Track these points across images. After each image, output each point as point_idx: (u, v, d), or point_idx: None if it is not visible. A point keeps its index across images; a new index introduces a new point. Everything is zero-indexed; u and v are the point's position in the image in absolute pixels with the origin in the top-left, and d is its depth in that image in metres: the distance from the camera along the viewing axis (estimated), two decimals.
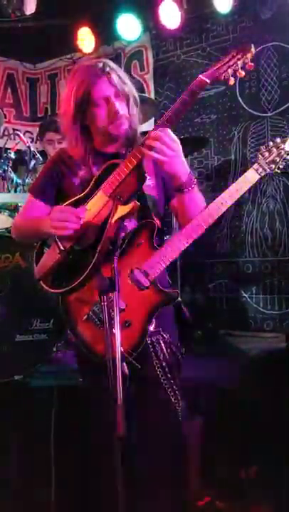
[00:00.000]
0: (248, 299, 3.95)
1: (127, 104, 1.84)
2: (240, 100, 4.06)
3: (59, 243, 1.78)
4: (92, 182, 1.82)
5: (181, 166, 1.75)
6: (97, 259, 1.74)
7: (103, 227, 1.74)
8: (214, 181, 4.17)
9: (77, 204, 1.81)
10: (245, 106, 4.04)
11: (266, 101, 3.93)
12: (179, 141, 1.71)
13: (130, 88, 1.87)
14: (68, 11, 4.40)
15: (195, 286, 4.07)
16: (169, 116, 1.68)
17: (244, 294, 3.97)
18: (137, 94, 1.90)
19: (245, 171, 1.90)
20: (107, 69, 1.81)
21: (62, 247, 1.77)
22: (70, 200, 1.83)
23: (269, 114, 3.90)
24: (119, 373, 1.50)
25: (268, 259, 3.88)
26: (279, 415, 2.48)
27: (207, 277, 4.11)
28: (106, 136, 1.85)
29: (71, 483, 2.23)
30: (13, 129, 4.87)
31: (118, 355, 1.52)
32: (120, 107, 1.82)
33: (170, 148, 1.67)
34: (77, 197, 1.83)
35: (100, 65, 1.82)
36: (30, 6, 4.10)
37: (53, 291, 1.84)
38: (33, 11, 4.12)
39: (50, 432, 2.20)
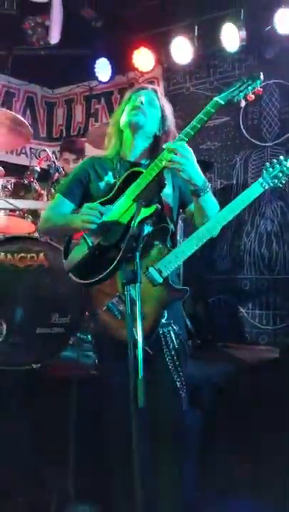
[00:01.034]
0: (245, 314, 4.13)
1: (160, 121, 2.10)
2: (243, 130, 4.34)
3: (88, 239, 1.96)
4: (117, 187, 2.01)
5: (196, 173, 1.94)
6: (121, 255, 1.88)
7: (127, 226, 1.90)
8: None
9: (103, 205, 1.98)
10: (247, 136, 4.32)
11: (267, 132, 4.21)
12: (192, 152, 1.92)
13: (169, 115, 2.15)
14: (87, 43, 4.74)
15: (196, 300, 4.23)
16: (187, 132, 1.91)
17: (241, 309, 4.15)
18: (174, 127, 2.15)
19: None
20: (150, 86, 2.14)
21: (90, 244, 1.95)
22: (98, 201, 2.00)
23: (269, 144, 4.18)
24: (140, 351, 1.62)
25: (265, 277, 4.09)
26: (270, 413, 2.67)
27: (207, 292, 4.29)
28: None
29: (88, 465, 2.36)
30: (30, 148, 5.16)
31: (140, 334, 1.65)
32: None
33: (185, 158, 1.89)
34: (104, 199, 2.01)
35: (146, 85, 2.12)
36: (55, 38, 4.35)
37: (82, 282, 2.00)
38: (57, 41, 4.37)
39: (66, 415, 2.38)
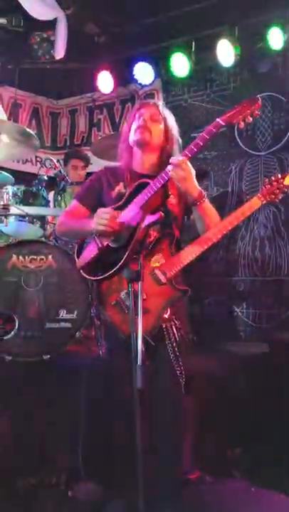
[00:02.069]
0: (239, 313, 4.31)
1: (164, 133, 2.29)
2: (238, 140, 4.50)
3: (98, 241, 2.15)
4: (127, 195, 2.20)
5: (192, 186, 2.11)
6: (127, 256, 2.07)
7: (134, 231, 2.07)
8: None
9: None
10: (242, 145, 4.47)
11: (260, 142, 4.37)
12: (192, 168, 2.11)
13: (172, 126, 2.33)
14: (90, 57, 4.93)
15: (193, 300, 4.43)
16: (190, 149, 2.08)
17: (236, 309, 4.32)
18: (178, 137, 2.34)
19: (240, 201, 2.29)
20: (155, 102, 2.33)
21: (100, 245, 2.14)
22: (110, 207, 2.19)
23: (262, 153, 4.33)
24: (140, 343, 1.78)
25: (258, 278, 4.25)
26: (260, 401, 2.85)
27: (204, 293, 4.45)
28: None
29: (96, 445, 2.54)
30: (35, 156, 5.35)
31: (140, 327, 1.82)
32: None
33: (185, 173, 2.08)
34: (115, 205, 2.20)
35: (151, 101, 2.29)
36: (60, 52, 4.52)
37: (91, 278, 2.21)
38: (61, 57, 4.54)
39: (74, 401, 2.58)
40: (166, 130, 2.34)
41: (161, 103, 2.44)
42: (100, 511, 2.31)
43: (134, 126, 2.33)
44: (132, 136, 2.32)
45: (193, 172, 2.13)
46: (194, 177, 2.14)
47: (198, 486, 2.69)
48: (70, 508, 2.42)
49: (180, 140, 2.37)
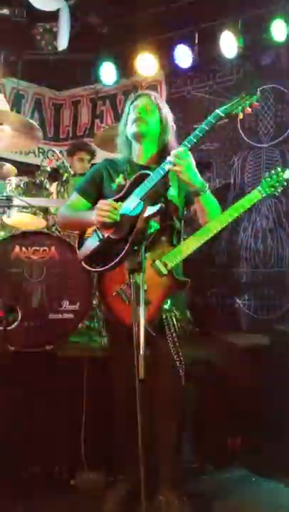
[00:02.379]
0: (241, 305, 4.34)
1: (160, 123, 2.28)
2: (241, 132, 4.51)
3: (99, 232, 2.15)
4: (127, 186, 2.19)
5: (194, 176, 2.11)
6: (128, 247, 2.06)
7: (135, 222, 2.04)
8: None
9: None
10: (244, 137, 4.48)
11: (263, 134, 4.38)
12: (192, 158, 2.10)
13: (167, 114, 2.32)
14: (93, 48, 4.92)
15: (196, 291, 4.40)
16: (190, 139, 2.08)
17: (238, 300, 4.35)
18: (173, 124, 2.34)
19: (242, 193, 2.31)
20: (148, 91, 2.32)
21: (101, 236, 2.15)
22: (111, 199, 2.18)
23: (265, 145, 4.34)
24: (141, 332, 1.77)
25: (260, 270, 4.27)
26: (261, 391, 2.87)
27: (206, 284, 4.48)
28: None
29: (99, 435, 2.57)
30: (38, 147, 5.36)
31: (142, 318, 1.80)
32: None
33: (185, 163, 2.07)
34: (115, 197, 2.19)
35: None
36: (63, 43, 4.54)
37: (92, 270, 2.20)
38: (64, 48, 4.56)
39: (76, 391, 2.61)
40: (162, 119, 2.33)
41: (154, 93, 2.42)
42: (102, 500, 2.34)
43: (130, 119, 2.33)
44: (129, 129, 2.32)
45: (194, 162, 2.13)
46: (195, 167, 2.14)
47: (198, 475, 2.73)
48: (72, 497, 2.44)
49: (174, 127, 2.37)
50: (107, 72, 4.98)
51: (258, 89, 2.11)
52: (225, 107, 2.10)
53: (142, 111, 2.31)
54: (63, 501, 2.39)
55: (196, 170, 2.14)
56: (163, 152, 2.29)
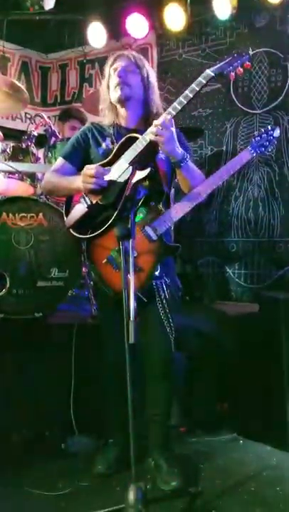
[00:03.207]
0: (231, 274, 4.33)
1: (143, 83, 2.21)
2: (234, 98, 4.39)
3: (86, 199, 2.13)
4: (115, 150, 2.15)
5: (173, 147, 2.08)
6: (117, 213, 2.07)
7: (123, 187, 2.06)
8: (207, 169, 4.56)
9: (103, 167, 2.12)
10: (237, 103, 4.37)
11: (256, 100, 4.27)
12: (172, 129, 2.05)
13: (149, 72, 2.24)
14: (81, 8, 4.73)
15: (186, 260, 4.43)
16: (174, 107, 2.02)
17: (228, 270, 4.34)
18: (155, 80, 2.26)
19: None
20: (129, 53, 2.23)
21: (89, 202, 2.13)
22: (97, 164, 2.14)
23: (258, 112, 4.24)
24: (132, 299, 1.81)
25: (250, 239, 4.24)
26: (249, 358, 2.91)
27: (197, 254, 4.46)
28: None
29: (88, 400, 2.60)
30: (25, 113, 5.23)
31: (132, 284, 1.84)
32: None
33: (165, 134, 2.02)
34: (102, 162, 2.15)
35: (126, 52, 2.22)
36: (49, 3, 4.36)
37: (81, 237, 2.19)
38: (51, 7, 4.38)
39: (66, 357, 2.62)
40: (144, 79, 2.26)
41: (133, 52, 2.32)
42: (92, 463, 2.37)
43: (111, 83, 2.25)
44: (112, 94, 2.25)
45: (174, 133, 2.06)
46: (176, 138, 2.08)
47: (187, 439, 2.78)
48: (63, 461, 2.48)
49: (156, 86, 2.30)
50: (96, 34, 4.79)
51: (251, 51, 2.05)
52: (216, 66, 2.04)
53: (123, 73, 2.23)
54: (54, 465, 2.42)
55: (176, 141, 2.08)
56: (149, 113, 2.24)
